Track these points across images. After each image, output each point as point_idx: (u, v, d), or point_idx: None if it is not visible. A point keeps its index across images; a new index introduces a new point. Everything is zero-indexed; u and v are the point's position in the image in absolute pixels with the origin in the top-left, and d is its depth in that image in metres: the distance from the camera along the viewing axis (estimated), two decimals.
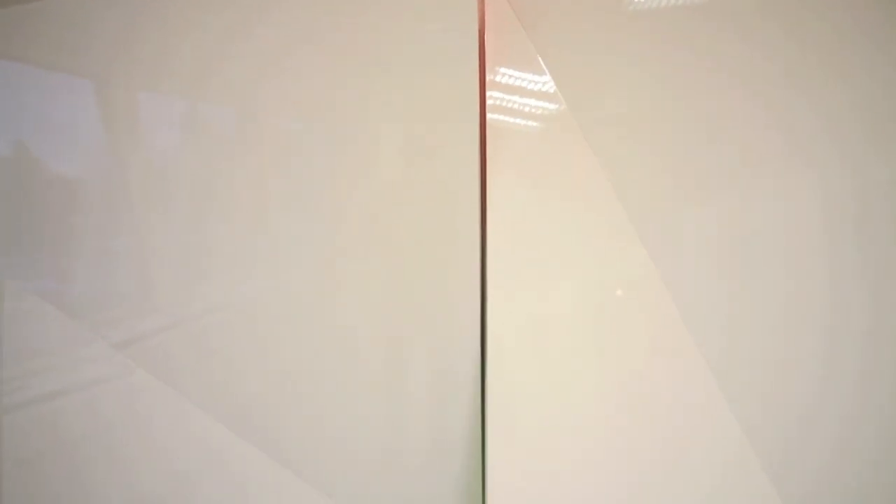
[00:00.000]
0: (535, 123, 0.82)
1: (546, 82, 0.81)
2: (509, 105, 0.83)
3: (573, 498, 0.79)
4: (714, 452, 0.75)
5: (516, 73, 0.83)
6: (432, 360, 0.87)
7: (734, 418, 0.74)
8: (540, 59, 0.81)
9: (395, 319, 0.88)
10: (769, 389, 0.74)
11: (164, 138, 0.98)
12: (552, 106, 0.81)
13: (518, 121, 0.83)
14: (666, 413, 0.77)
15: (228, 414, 0.95)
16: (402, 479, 0.88)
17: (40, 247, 1.03)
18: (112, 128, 1.00)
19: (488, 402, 0.82)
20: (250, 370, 0.94)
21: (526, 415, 0.81)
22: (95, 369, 1.02)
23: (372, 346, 0.89)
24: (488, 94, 0.83)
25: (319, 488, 0.91)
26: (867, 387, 0.71)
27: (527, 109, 0.82)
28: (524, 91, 0.82)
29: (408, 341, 0.88)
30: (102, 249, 1.01)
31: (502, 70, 0.83)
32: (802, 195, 0.73)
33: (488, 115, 0.83)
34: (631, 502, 0.78)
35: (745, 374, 0.74)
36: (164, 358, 0.98)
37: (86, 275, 1.02)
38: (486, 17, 0.84)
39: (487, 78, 0.83)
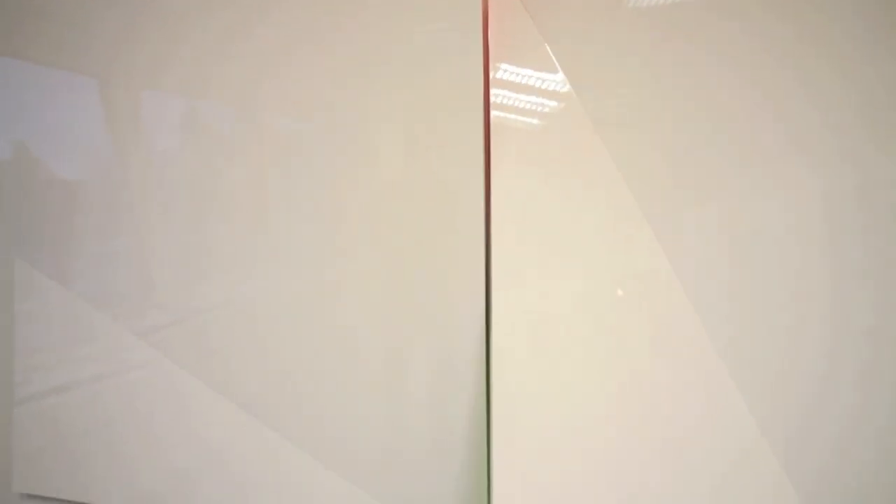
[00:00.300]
0: (541, 115, 0.82)
1: (554, 72, 0.80)
2: (514, 98, 0.82)
3: (581, 497, 0.79)
4: (725, 449, 0.75)
5: (522, 64, 0.81)
6: (436, 359, 0.87)
7: (746, 416, 0.74)
8: (547, 47, 0.80)
9: (398, 318, 0.88)
10: (781, 383, 0.73)
11: (165, 137, 0.98)
12: (560, 98, 0.80)
13: (523, 114, 0.82)
14: (675, 410, 0.76)
15: (228, 413, 0.95)
16: (406, 480, 0.88)
17: (41, 246, 1.04)
18: (113, 127, 1.00)
19: (493, 401, 0.82)
20: (251, 370, 0.94)
21: (531, 413, 0.81)
22: (97, 366, 1.02)
23: (374, 345, 0.89)
24: (492, 90, 0.83)
25: (321, 487, 0.92)
26: (875, 376, 0.71)
27: (532, 102, 0.82)
28: (531, 83, 0.81)
29: (411, 340, 0.88)
30: (104, 247, 1.01)
31: (507, 61, 0.82)
32: (811, 189, 0.73)
33: (492, 113, 0.83)
34: (640, 500, 0.78)
35: (757, 370, 0.74)
36: (164, 356, 0.98)
37: (87, 273, 1.02)
38: (490, 8, 0.83)
39: (491, 71, 0.83)
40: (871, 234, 0.71)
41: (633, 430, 0.78)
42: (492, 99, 0.82)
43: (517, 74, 0.82)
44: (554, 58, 0.80)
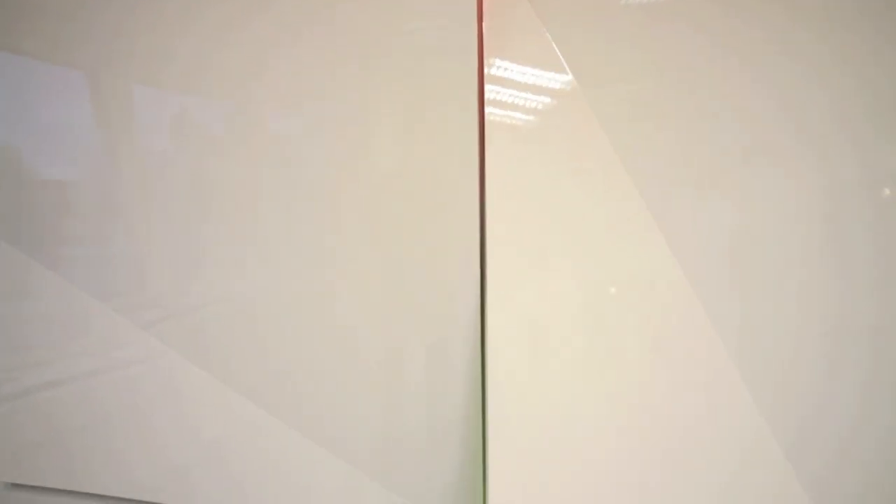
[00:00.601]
0: (539, 107, 0.80)
1: (553, 62, 0.78)
2: (510, 93, 0.81)
3: (578, 494, 0.79)
4: (730, 448, 0.74)
5: (520, 54, 0.80)
6: (431, 355, 0.87)
7: (752, 415, 0.73)
8: (548, 35, 0.78)
9: (393, 314, 0.88)
10: (789, 380, 0.72)
11: (161, 132, 0.97)
12: (560, 88, 0.79)
13: (520, 108, 0.81)
14: (678, 407, 0.76)
15: (223, 410, 0.95)
16: (402, 479, 0.89)
17: (36, 240, 1.03)
18: (109, 122, 1.00)
19: (488, 393, 0.82)
20: (248, 363, 0.94)
21: (526, 405, 0.80)
22: (93, 361, 1.02)
23: (370, 340, 0.89)
24: (487, 86, 0.81)
25: (317, 483, 0.92)
26: (884, 371, 0.70)
27: (530, 93, 0.80)
28: (528, 74, 0.80)
29: (407, 335, 0.88)
30: (100, 243, 1.01)
31: (504, 51, 0.81)
32: (818, 183, 0.71)
33: (486, 109, 0.81)
34: (641, 498, 0.77)
35: (764, 366, 0.73)
36: (160, 352, 0.98)
37: (83, 267, 1.02)
38: None
39: (486, 66, 0.81)
40: (879, 228, 0.70)
41: (635, 429, 0.77)
42: (487, 95, 0.81)
43: (513, 65, 0.80)
44: (555, 46, 0.79)
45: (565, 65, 0.78)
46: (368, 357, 0.89)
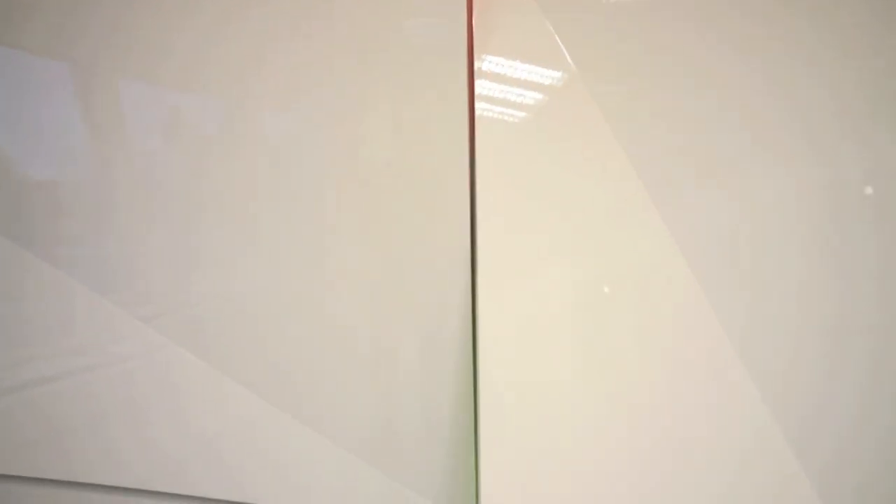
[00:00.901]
0: (533, 99, 0.79)
1: (548, 52, 0.77)
2: (501, 88, 0.80)
3: (572, 492, 0.79)
4: (730, 448, 0.74)
5: (513, 42, 0.79)
6: (424, 354, 0.88)
7: (755, 413, 0.72)
8: (547, 23, 0.77)
9: (384, 307, 0.89)
10: (792, 376, 0.72)
11: (155, 132, 0.97)
12: (555, 79, 0.78)
13: (511, 104, 0.80)
14: (679, 405, 0.75)
15: (219, 406, 0.96)
16: (399, 465, 0.90)
17: (36, 242, 1.03)
18: (105, 119, 0.99)
19: (480, 389, 0.82)
20: (245, 360, 0.95)
21: (518, 401, 0.81)
22: (91, 357, 1.03)
23: (363, 336, 0.90)
24: (477, 81, 0.80)
25: (313, 471, 0.93)
26: (884, 361, 0.70)
27: (523, 86, 0.79)
28: (522, 67, 0.79)
29: (399, 331, 0.89)
30: (97, 239, 1.01)
31: (495, 39, 0.80)
32: (823, 179, 0.71)
33: (477, 105, 0.81)
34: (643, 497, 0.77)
35: (769, 362, 0.72)
36: (156, 348, 0.98)
37: (81, 264, 1.02)
38: None
39: (476, 62, 0.80)
40: (884, 224, 0.69)
41: (633, 427, 0.76)
42: (477, 91, 0.80)
43: (511, 60, 0.79)
44: (557, 38, 0.77)
45: (567, 56, 0.77)
46: (362, 352, 0.90)
